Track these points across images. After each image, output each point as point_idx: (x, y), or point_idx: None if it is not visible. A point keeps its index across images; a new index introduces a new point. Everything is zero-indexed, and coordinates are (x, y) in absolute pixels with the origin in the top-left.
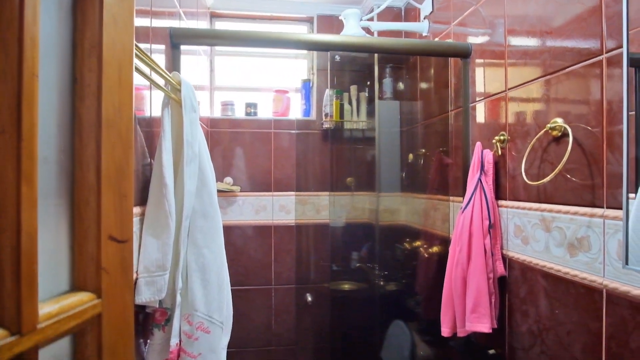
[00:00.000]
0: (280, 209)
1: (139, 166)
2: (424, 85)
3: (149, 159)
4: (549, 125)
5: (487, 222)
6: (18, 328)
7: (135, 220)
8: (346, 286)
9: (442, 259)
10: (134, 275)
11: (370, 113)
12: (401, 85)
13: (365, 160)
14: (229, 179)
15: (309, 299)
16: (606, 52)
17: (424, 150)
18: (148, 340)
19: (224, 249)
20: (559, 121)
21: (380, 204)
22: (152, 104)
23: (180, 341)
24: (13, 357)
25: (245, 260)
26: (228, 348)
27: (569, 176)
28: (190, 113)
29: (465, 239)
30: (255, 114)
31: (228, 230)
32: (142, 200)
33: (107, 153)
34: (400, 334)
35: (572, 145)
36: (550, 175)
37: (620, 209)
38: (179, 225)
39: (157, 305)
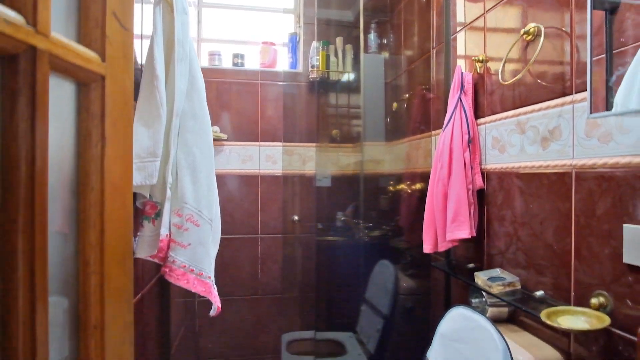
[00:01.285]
0: (266, 159)
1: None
2: (407, 35)
3: (140, 64)
4: (523, 30)
5: (466, 137)
6: (33, 20)
7: None
8: (331, 237)
9: (424, 194)
10: None
11: (356, 66)
12: (385, 41)
13: (351, 111)
14: (215, 128)
15: (296, 218)
16: None
17: (407, 96)
18: (138, 233)
19: (213, 152)
20: (532, 24)
21: (365, 154)
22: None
23: (170, 233)
24: (27, 48)
25: (231, 209)
26: None
27: (539, 81)
28: (182, 15)
29: (446, 156)
30: (242, 64)
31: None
32: (134, 96)
33: None
34: (384, 271)
35: (543, 42)
36: (523, 71)
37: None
38: (169, 122)
39: (147, 197)
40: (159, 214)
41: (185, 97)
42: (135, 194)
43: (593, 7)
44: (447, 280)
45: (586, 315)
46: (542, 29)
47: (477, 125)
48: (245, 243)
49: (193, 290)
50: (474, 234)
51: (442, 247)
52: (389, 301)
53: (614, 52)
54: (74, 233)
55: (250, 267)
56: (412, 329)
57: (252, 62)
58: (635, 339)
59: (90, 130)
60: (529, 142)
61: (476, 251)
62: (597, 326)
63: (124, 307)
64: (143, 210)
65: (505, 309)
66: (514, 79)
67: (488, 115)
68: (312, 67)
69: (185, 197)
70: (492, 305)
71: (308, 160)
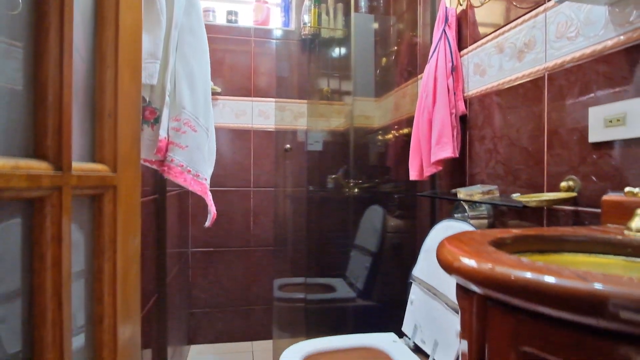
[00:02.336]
0: (259, 114)
1: None
2: None
3: None
4: None
5: (450, 64)
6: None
7: None
8: (323, 192)
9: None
10: None
11: (347, 24)
12: (375, 3)
13: (342, 69)
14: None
15: (288, 146)
16: None
17: (395, 48)
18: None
19: (209, 68)
20: None
21: (356, 110)
22: None
23: (168, 136)
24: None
25: (224, 162)
26: (209, 247)
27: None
28: None
29: (430, 85)
30: (236, 21)
31: None
32: None
33: None
34: (373, 214)
35: None
36: None
37: None
38: (168, 33)
39: (147, 102)
40: (157, 120)
41: (184, 13)
42: None
43: None
44: (433, 208)
45: (555, 196)
46: None
47: (461, 56)
48: (238, 196)
49: (190, 189)
50: (457, 155)
51: (427, 172)
52: (377, 240)
53: None
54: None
55: (243, 220)
56: (398, 264)
57: (246, 20)
58: (599, 210)
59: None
60: (507, 59)
61: (459, 175)
62: (562, 196)
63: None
64: (142, 115)
65: (485, 221)
66: (484, 2)
67: (470, 45)
68: (304, 24)
69: (183, 102)
70: (473, 217)
71: (300, 116)
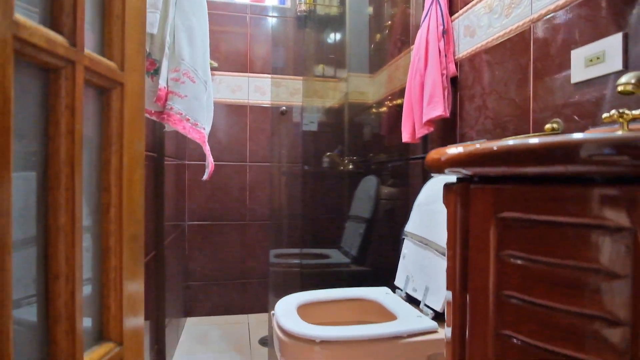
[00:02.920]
0: (255, 89)
1: None
2: None
3: None
4: None
5: (441, 27)
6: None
7: None
8: (318, 169)
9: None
10: None
11: (342, 2)
12: None
13: (337, 45)
14: None
15: (283, 108)
16: None
17: (389, 22)
18: None
19: (208, 27)
20: None
21: (350, 86)
22: None
23: (167, 86)
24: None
25: (221, 137)
26: (206, 220)
27: None
28: None
29: (422, 48)
30: None
31: None
32: None
33: None
34: (367, 183)
35: None
36: None
37: None
38: None
39: (147, 52)
40: (157, 71)
41: None
42: None
43: None
44: (424, 171)
45: (540, 135)
46: None
47: (452, 21)
48: (235, 170)
49: (189, 136)
50: (448, 114)
51: (419, 134)
52: (370, 207)
53: None
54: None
55: (239, 194)
56: (391, 228)
57: None
58: None
59: None
60: (495, 16)
61: (450, 136)
62: (545, 134)
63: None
64: None
65: None
66: None
67: (461, 9)
68: (300, 1)
69: (182, 54)
70: None
71: (295, 92)
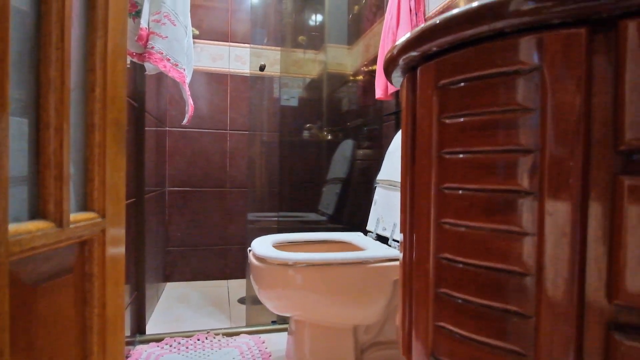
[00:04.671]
0: (236, 59)
1: None
2: None
3: None
4: None
5: None
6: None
7: None
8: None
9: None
10: None
11: None
12: None
13: (316, 16)
14: None
15: (262, 63)
16: None
17: None
18: None
19: None
20: None
21: (329, 56)
22: None
23: (149, 27)
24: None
25: (202, 104)
26: (186, 186)
27: None
28: None
29: (394, 7)
30: None
31: None
32: None
33: None
34: (344, 146)
35: None
36: None
37: None
38: None
39: None
40: (139, 13)
41: None
42: None
43: None
44: (397, 129)
45: None
46: None
47: None
48: (215, 138)
49: (169, 75)
50: None
51: (391, 89)
52: (346, 167)
53: None
54: None
55: (219, 161)
56: (366, 187)
57: None
58: None
59: None
60: None
61: None
62: None
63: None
64: None
65: None
66: None
67: None
68: None
69: None
70: None
71: (275, 63)
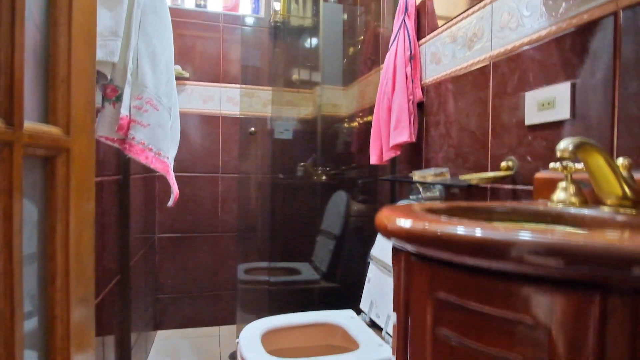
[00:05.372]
0: (228, 100)
1: None
2: None
3: None
4: None
5: (408, 53)
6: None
7: None
8: (291, 180)
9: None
10: None
11: (316, 13)
12: None
13: (310, 57)
14: (177, 67)
15: (252, 129)
16: None
17: (362, 37)
18: (99, 113)
19: (172, 49)
20: None
21: (324, 98)
22: None
23: (130, 114)
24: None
25: (192, 148)
26: (177, 232)
27: None
28: None
29: (390, 72)
30: (205, 6)
31: None
32: None
33: None
34: (338, 199)
35: None
36: None
37: None
38: (131, 10)
39: (109, 80)
40: (119, 98)
41: None
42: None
43: None
44: (392, 191)
45: (495, 174)
46: None
47: (419, 45)
48: (206, 182)
49: (152, 167)
50: (414, 140)
51: (386, 156)
52: (340, 223)
53: None
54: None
55: (210, 206)
56: (360, 246)
57: (215, 5)
58: (532, 187)
59: None
60: (459, 47)
61: (417, 159)
62: (501, 175)
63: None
64: (104, 93)
65: (438, 202)
66: None
67: (428, 34)
68: (275, 11)
69: (145, 81)
70: (427, 199)
71: (268, 103)
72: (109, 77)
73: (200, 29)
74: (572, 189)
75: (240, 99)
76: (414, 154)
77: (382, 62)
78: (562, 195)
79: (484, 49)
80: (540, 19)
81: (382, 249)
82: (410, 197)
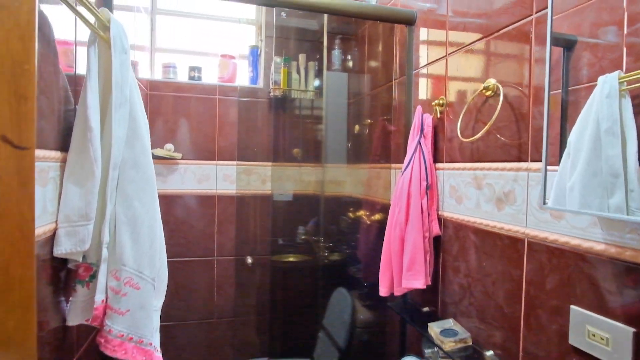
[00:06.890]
0: (224, 178)
1: (62, 111)
2: (371, 57)
3: (73, 105)
4: (483, 85)
5: (424, 183)
6: None
7: (55, 165)
8: (290, 258)
9: (383, 226)
10: (54, 225)
11: (319, 84)
12: (349, 58)
13: (312, 131)
14: (169, 146)
15: (249, 261)
16: (535, 13)
17: (369, 121)
18: (70, 298)
19: (158, 203)
20: (492, 81)
21: (326, 175)
22: (77, 60)
23: (106, 297)
24: None
25: (186, 231)
26: (170, 321)
27: (499, 136)
28: (121, 54)
29: (404, 201)
30: (199, 78)
31: (168, 200)
32: (64, 146)
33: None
34: (341, 300)
35: (502, 104)
36: (481, 131)
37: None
38: (106, 175)
39: (80, 260)
40: (94, 276)
41: (126, 145)
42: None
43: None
44: (403, 321)
45: None
46: (501, 89)
47: (436, 169)
48: (201, 266)
49: None
50: (429, 283)
51: (397, 292)
52: (345, 333)
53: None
54: None
55: (206, 291)
56: None
57: (210, 76)
58: None
59: None
60: (485, 199)
61: (432, 296)
62: None
63: None
64: (76, 273)
65: None
66: (472, 138)
67: (447, 162)
68: (275, 83)
69: (123, 258)
70: (444, 357)
71: (268, 179)
72: (79, 259)
73: (194, 102)
74: None
75: (237, 176)
76: (429, 288)
77: (393, 163)
78: None
79: (517, 219)
80: (593, 228)
81: None
82: (425, 350)
